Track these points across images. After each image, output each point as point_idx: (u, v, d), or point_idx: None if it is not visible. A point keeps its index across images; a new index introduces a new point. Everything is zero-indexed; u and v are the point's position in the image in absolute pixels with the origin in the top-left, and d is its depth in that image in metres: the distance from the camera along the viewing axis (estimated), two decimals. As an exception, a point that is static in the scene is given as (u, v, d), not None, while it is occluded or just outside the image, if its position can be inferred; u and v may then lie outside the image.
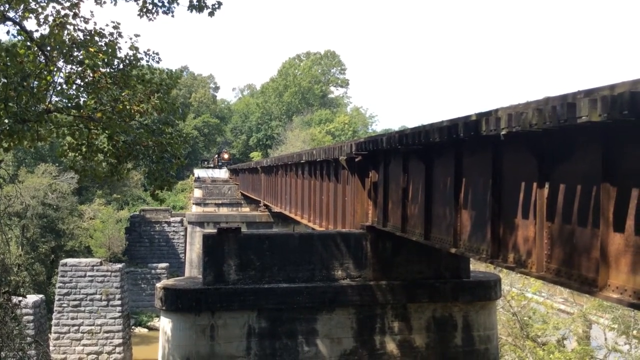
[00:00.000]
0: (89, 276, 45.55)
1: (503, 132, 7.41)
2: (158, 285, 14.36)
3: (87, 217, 62.15)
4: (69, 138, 12.51)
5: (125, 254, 61.35)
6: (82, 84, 12.15)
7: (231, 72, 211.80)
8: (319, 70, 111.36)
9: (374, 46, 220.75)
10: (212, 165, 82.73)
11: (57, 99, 12.28)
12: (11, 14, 11.86)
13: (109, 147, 12.42)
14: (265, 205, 43.32)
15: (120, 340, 45.25)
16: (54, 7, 12.13)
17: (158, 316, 30.06)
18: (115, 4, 13.26)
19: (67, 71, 12.10)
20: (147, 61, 13.18)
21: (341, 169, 16.32)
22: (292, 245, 14.11)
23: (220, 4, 13.34)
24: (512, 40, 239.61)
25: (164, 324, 14.11)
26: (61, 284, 45.52)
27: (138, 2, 13.11)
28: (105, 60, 12.02)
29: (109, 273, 45.78)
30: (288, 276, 13.97)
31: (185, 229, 61.85)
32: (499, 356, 17.38)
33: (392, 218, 13.21)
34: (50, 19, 12.05)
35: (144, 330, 57.55)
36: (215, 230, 14.22)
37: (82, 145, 12.36)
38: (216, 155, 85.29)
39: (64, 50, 11.62)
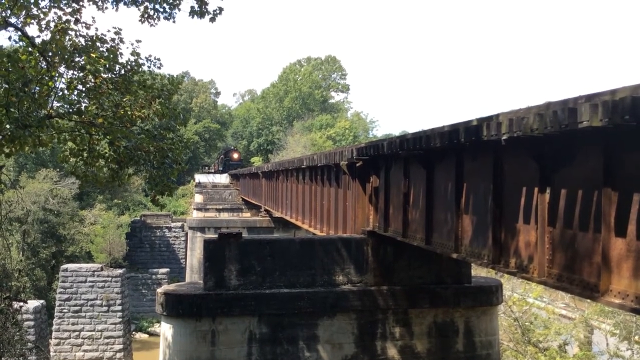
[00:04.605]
0: (90, 281, 45.52)
1: (504, 137, 7.41)
2: (159, 290, 14.35)
3: (88, 223, 62.13)
4: (70, 143, 12.51)
5: (126, 259, 61.30)
6: (83, 89, 12.15)
7: (232, 77, 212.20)
8: (320, 76, 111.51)
9: (375, 51, 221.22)
10: (212, 171, 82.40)
11: (58, 105, 12.29)
12: (13, 20, 11.89)
13: (110, 152, 12.41)
14: (266, 210, 43.28)
15: (121, 346, 45.18)
16: (55, 13, 12.15)
17: (159, 322, 30.00)
18: (116, 10, 13.28)
19: (68, 77, 12.10)
20: (149, 67, 13.18)
21: (342, 174, 16.32)
22: (293, 251, 14.09)
23: (221, 9, 13.37)
24: (513, 45, 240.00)
25: (165, 329, 14.09)
26: (62, 290, 45.49)
27: (140, 7, 13.14)
28: (107, 65, 12.03)
29: (109, 278, 45.76)
30: (289, 281, 13.95)
31: (186, 234, 61.77)
32: (501, 362, 17.32)
33: (393, 223, 13.20)
34: (52, 24, 12.06)
35: (145, 336, 57.47)
36: (216, 236, 14.21)
37: (84, 150, 12.35)
38: (222, 156, 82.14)
39: (66, 56, 11.62)
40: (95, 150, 12.45)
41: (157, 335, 48.13)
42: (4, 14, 11.54)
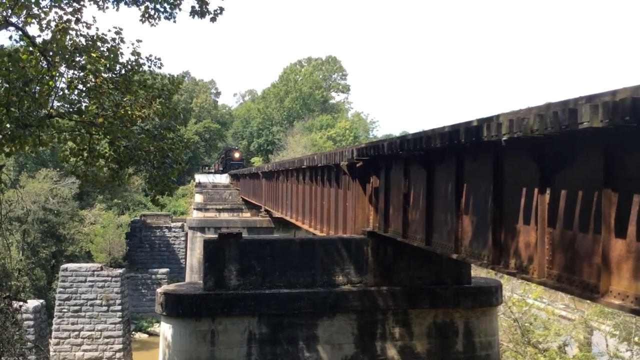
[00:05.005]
0: (90, 281, 45.52)
1: (504, 138, 7.42)
2: (159, 290, 14.34)
3: (88, 222, 62.16)
4: (70, 143, 12.51)
5: (125, 259, 61.32)
6: (84, 89, 12.16)
7: (232, 77, 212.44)
8: (320, 76, 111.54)
9: (375, 51, 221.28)
10: (212, 171, 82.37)
11: (58, 104, 12.29)
12: (14, 19, 11.90)
13: (110, 152, 12.41)
14: (266, 210, 43.28)
15: (121, 346, 45.17)
16: (56, 13, 12.17)
17: (158, 321, 30.03)
18: (117, 10, 13.29)
19: (69, 76, 12.11)
20: (149, 66, 13.19)
21: (342, 174, 16.32)
22: (293, 251, 14.09)
23: (222, 9, 13.38)
24: (513, 45, 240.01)
25: (165, 329, 14.09)
26: (62, 289, 45.48)
27: (140, 7, 13.15)
28: (107, 65, 12.04)
29: (109, 278, 45.75)
30: (289, 281, 13.95)
31: (186, 234, 61.74)
32: (500, 362, 17.30)
33: (393, 223, 13.20)
34: (53, 24, 12.08)
35: (144, 336, 57.48)
36: (216, 236, 14.21)
37: (84, 150, 12.36)
38: (222, 156, 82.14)
39: (66, 56, 11.63)
40: (96, 150, 12.45)
41: (156, 335, 48.13)
42: (4, 14, 11.55)
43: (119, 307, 45.54)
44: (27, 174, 63.48)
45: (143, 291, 59.45)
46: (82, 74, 11.94)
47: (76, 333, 45.02)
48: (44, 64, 11.72)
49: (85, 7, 12.54)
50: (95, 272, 45.75)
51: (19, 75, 10.53)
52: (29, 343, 26.39)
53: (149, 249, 66.83)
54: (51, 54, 11.62)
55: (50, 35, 11.84)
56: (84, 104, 12.22)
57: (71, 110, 11.93)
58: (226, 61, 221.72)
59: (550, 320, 27.56)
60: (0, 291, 17.75)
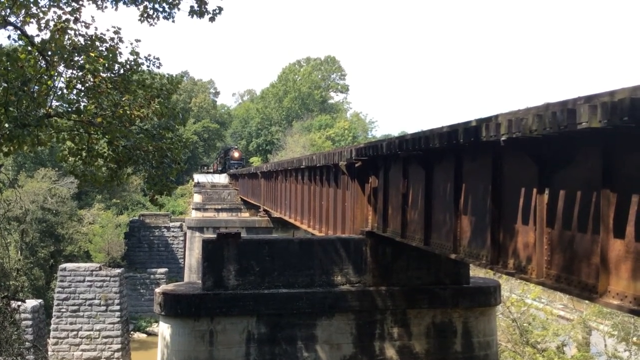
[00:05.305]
0: (88, 281, 45.47)
1: (503, 138, 7.43)
2: (157, 290, 14.35)
3: (87, 222, 62.08)
4: (69, 143, 12.50)
5: (124, 259, 61.28)
6: (82, 88, 12.15)
7: (231, 77, 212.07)
8: (319, 76, 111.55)
9: (374, 52, 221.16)
10: (211, 171, 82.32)
11: (57, 104, 12.27)
12: (12, 19, 11.87)
13: (109, 152, 12.40)
14: (265, 210, 43.30)
15: (119, 346, 45.12)
16: (55, 12, 12.14)
17: (157, 321, 30.02)
18: (116, 9, 13.26)
19: (67, 76, 12.09)
20: (148, 66, 13.17)
21: (341, 174, 16.32)
22: (292, 251, 14.10)
23: (221, 9, 13.36)
24: (512, 45, 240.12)
25: (163, 329, 14.09)
26: (60, 289, 45.43)
27: (139, 7, 13.13)
28: (106, 65, 12.02)
29: (108, 278, 45.70)
30: (288, 281, 13.95)
31: (185, 234, 61.78)
32: (499, 362, 17.31)
33: (392, 223, 13.21)
34: (51, 23, 12.06)
35: (143, 336, 57.42)
36: (214, 236, 14.21)
37: (82, 150, 12.34)
38: (221, 155, 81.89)
39: (65, 55, 11.61)
40: (94, 150, 12.44)
41: (155, 335, 48.12)
42: (3, 13, 11.53)
43: (118, 307, 45.49)
44: (26, 173, 63.40)
45: (142, 291, 59.39)
46: (80, 73, 11.93)
47: (74, 333, 44.97)
48: (43, 63, 11.69)
49: (84, 6, 12.52)
50: (94, 272, 45.69)
51: (18, 75, 10.52)
52: (27, 343, 26.35)
53: (148, 249, 66.80)
54: (50, 53, 11.60)
55: (48, 34, 11.82)
56: (82, 104, 12.20)
57: (70, 109, 11.92)
58: (225, 61, 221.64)
59: (548, 320, 27.61)
60: (-1, 291, 17.72)
